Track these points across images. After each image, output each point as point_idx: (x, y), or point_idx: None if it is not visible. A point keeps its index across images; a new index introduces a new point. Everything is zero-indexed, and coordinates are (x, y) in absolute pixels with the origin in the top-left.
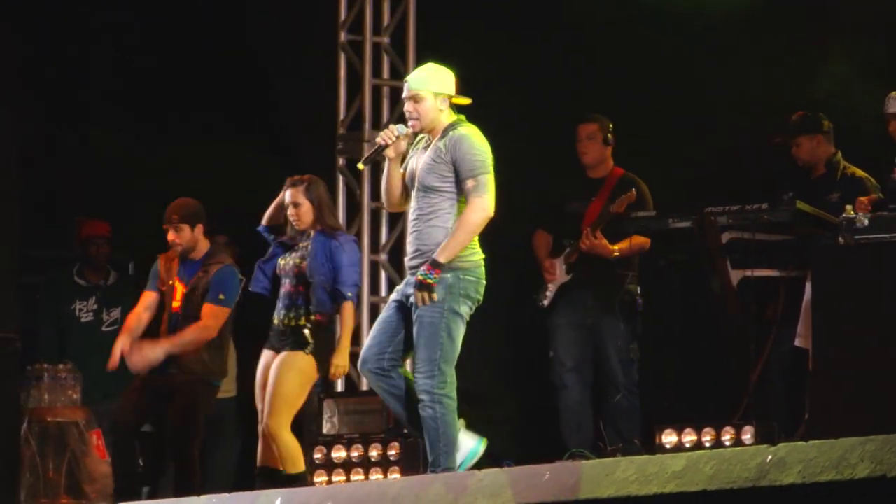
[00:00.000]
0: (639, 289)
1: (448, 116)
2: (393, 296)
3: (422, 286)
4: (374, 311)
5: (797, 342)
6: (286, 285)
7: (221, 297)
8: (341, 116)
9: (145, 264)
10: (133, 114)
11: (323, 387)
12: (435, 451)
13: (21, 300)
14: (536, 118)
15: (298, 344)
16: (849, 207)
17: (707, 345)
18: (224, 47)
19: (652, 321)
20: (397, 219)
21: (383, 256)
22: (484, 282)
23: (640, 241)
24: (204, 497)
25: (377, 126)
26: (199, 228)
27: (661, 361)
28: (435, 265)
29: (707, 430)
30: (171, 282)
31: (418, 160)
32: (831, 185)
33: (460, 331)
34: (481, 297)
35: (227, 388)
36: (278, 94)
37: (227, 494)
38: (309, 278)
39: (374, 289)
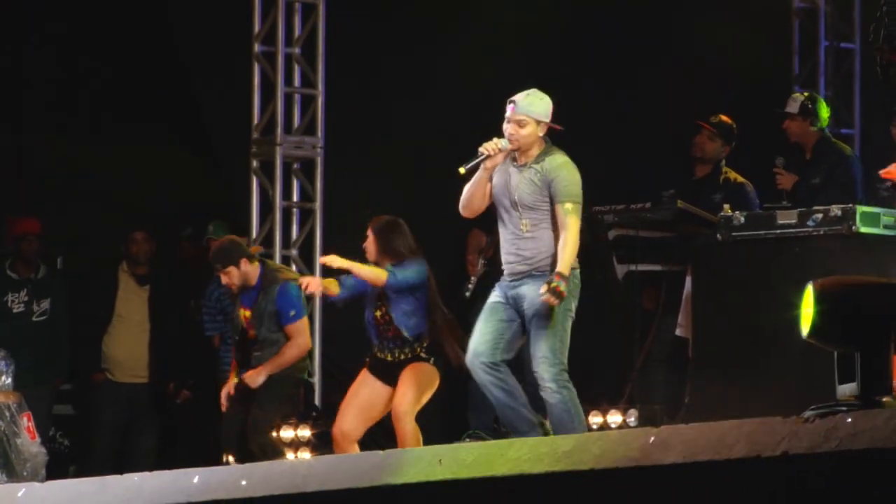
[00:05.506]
0: None
1: (541, 141)
2: (495, 298)
3: (557, 294)
4: None
5: (678, 332)
6: None
7: (293, 313)
8: (255, 122)
9: (73, 259)
10: (63, 116)
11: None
12: (569, 431)
13: None
14: (447, 120)
15: None
16: (727, 206)
17: (595, 334)
18: (153, 56)
19: None
20: (307, 217)
21: (294, 251)
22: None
23: None
24: (126, 475)
25: (289, 131)
26: (244, 262)
27: None
28: (563, 277)
29: (595, 413)
30: (239, 312)
31: (509, 178)
32: (714, 187)
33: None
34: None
35: (140, 375)
36: (202, 100)
37: (148, 473)
38: None
39: None
